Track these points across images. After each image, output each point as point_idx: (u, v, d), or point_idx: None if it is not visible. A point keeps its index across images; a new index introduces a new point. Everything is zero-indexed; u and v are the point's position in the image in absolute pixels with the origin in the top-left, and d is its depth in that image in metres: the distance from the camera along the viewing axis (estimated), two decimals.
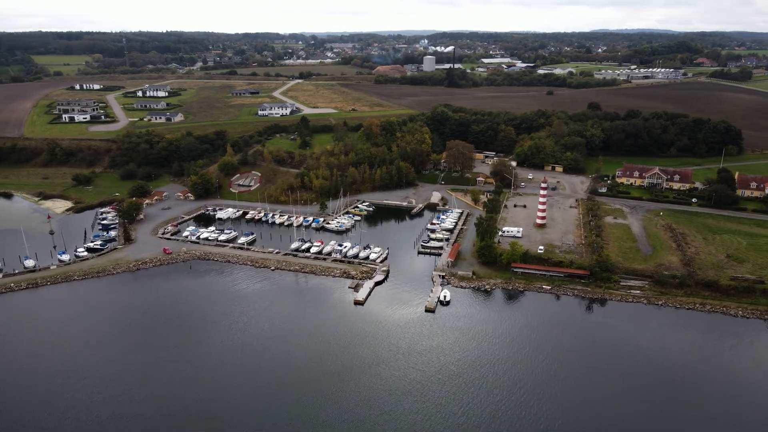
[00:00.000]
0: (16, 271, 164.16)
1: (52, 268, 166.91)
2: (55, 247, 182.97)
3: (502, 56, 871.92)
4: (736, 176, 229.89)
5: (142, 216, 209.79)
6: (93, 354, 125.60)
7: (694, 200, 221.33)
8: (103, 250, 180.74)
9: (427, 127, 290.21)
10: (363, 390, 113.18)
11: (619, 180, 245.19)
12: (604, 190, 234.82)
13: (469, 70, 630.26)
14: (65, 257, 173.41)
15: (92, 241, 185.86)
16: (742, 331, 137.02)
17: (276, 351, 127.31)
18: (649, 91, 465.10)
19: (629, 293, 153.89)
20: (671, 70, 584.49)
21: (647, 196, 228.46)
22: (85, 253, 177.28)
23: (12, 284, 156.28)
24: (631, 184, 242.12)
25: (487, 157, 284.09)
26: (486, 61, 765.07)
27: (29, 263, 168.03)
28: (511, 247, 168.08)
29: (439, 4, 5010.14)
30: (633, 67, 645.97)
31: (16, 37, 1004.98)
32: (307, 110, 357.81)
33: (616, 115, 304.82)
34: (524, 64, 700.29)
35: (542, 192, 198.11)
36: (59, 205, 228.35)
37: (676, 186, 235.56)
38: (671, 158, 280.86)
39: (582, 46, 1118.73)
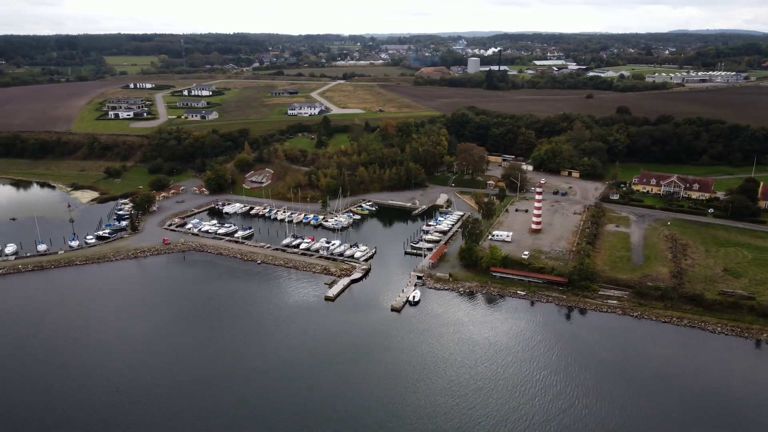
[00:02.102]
0: (28, 255, 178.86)
1: (59, 253, 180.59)
2: (75, 233, 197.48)
3: (558, 58, 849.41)
4: (760, 187, 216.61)
5: (155, 208, 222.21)
6: (60, 331, 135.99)
7: (710, 211, 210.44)
8: (110, 238, 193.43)
9: (446, 129, 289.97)
10: (295, 386, 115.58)
11: (635, 187, 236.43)
12: (616, 197, 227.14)
13: (517, 72, 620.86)
14: (74, 243, 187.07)
15: (103, 230, 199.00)
16: (717, 347, 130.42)
17: (228, 341, 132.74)
18: (701, 95, 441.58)
19: (605, 303, 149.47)
20: (732, 73, 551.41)
21: (661, 204, 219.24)
22: (94, 241, 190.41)
23: (20, 266, 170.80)
24: (648, 192, 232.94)
25: (505, 160, 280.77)
26: (538, 63, 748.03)
27: (41, 248, 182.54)
28: (490, 251, 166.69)
29: (507, 5, 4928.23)
30: (700, 70, 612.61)
31: (94, 38, 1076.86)
32: (336, 110, 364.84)
33: (645, 120, 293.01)
34: (576, 67, 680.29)
35: (537, 197, 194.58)
36: (87, 196, 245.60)
37: (694, 195, 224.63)
38: (703, 166, 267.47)
39: (647, 47, 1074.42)
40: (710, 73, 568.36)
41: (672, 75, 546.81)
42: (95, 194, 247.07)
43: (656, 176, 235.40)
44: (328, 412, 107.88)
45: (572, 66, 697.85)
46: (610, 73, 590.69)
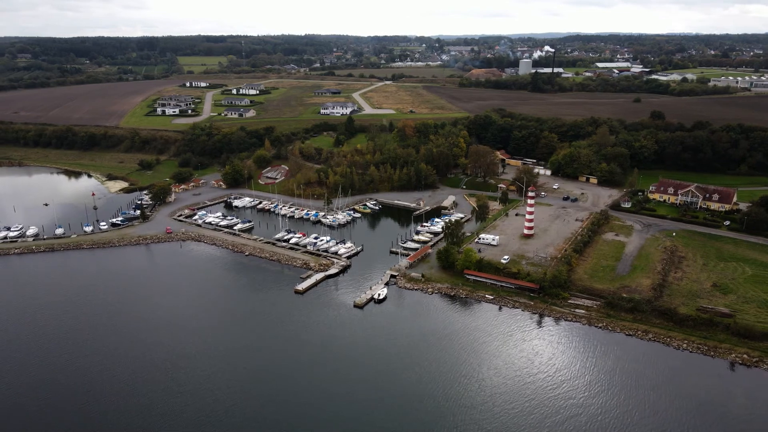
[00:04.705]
0: (45, 237, 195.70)
1: (72, 237, 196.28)
2: (97, 219, 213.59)
3: (626, 60, 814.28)
4: None
5: (172, 199, 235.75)
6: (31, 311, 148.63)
7: (726, 223, 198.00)
8: (121, 225, 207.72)
9: (467, 131, 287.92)
10: (224, 377, 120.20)
11: (651, 196, 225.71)
12: (627, 205, 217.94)
13: (573, 75, 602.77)
14: (88, 229, 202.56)
15: (118, 218, 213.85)
16: (675, 364, 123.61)
17: (188, 327, 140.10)
18: (764, 101, 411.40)
19: (572, 312, 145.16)
20: None
21: (673, 214, 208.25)
22: (107, 227, 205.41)
23: (33, 247, 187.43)
24: (665, 201, 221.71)
25: (524, 164, 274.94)
26: (600, 65, 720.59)
27: (59, 231, 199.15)
28: (465, 253, 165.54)
29: (587, 5, 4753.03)
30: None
31: (171, 40, 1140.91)
32: (368, 110, 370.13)
33: (679, 126, 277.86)
34: (640, 69, 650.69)
35: (530, 201, 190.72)
36: (117, 186, 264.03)
37: (713, 206, 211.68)
38: (740, 176, 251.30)
39: (731, 48, 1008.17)
40: None
41: (739, 79, 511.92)
42: (125, 184, 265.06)
43: (674, 185, 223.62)
44: (244, 400, 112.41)
45: (636, 68, 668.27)
46: (674, 76, 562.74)
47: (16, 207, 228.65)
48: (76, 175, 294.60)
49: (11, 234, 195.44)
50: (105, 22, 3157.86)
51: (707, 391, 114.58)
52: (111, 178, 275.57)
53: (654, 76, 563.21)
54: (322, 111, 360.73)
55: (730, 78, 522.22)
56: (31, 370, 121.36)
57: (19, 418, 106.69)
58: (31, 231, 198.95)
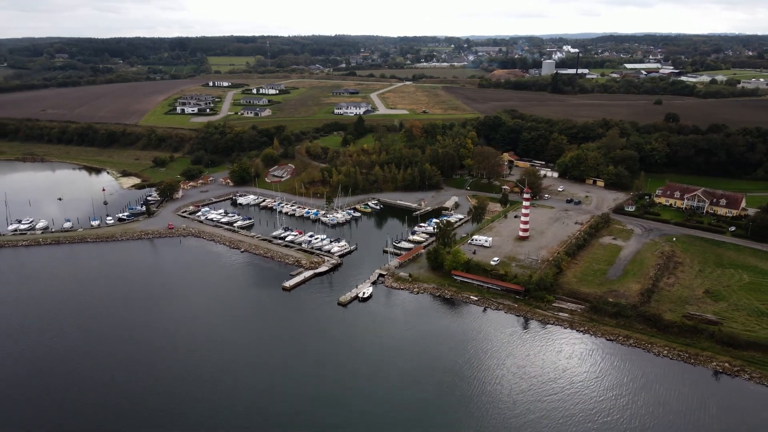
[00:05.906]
0: (52, 230, 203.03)
1: (78, 230, 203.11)
2: (108, 215, 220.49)
3: (658, 61, 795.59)
4: None
5: (179, 195, 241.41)
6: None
7: (732, 229, 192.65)
8: (126, 220, 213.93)
9: (476, 132, 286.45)
10: (186, 370, 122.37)
11: (658, 200, 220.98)
12: (631, 208, 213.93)
13: (598, 76, 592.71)
14: (95, 223, 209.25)
15: (124, 213, 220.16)
16: (652, 370, 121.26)
17: (169, 321, 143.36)
18: None
19: (555, 315, 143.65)
20: None
21: (678, 219, 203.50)
22: (112, 222, 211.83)
23: (40, 239, 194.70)
24: (671, 205, 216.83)
25: (533, 165, 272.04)
26: (629, 66, 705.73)
27: (66, 225, 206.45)
28: (453, 254, 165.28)
29: (626, 5, 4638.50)
30: None
31: (203, 40, 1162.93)
32: (382, 110, 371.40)
33: (694, 129, 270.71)
34: (669, 70, 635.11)
35: (525, 204, 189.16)
36: (130, 182, 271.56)
37: (720, 211, 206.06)
38: (756, 181, 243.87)
39: None
40: None
41: None
42: (138, 181, 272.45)
43: (681, 188, 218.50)
44: (211, 392, 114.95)
45: (666, 69, 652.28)
46: (703, 78, 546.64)
47: (31, 201, 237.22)
48: (97, 171, 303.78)
49: (21, 227, 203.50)
50: (144, 23, 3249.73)
51: (680, 397, 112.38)
52: (125, 174, 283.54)
53: (682, 78, 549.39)
54: (336, 111, 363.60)
55: (761, 80, 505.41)
56: (25, 360, 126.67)
57: (13, 408, 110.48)
58: (41, 224, 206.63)
